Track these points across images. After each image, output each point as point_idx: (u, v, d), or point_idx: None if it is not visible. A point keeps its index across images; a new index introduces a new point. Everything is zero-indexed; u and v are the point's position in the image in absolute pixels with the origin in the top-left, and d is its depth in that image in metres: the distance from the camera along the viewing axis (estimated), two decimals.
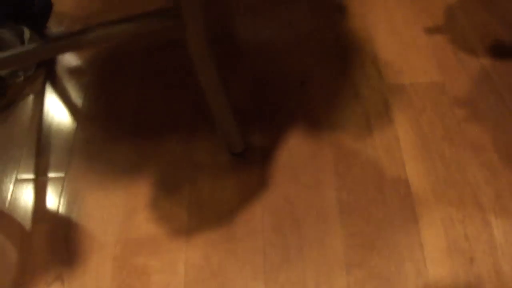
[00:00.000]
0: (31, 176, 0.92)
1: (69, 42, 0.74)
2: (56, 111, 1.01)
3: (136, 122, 0.93)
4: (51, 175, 0.91)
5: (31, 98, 1.05)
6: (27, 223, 0.86)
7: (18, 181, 0.92)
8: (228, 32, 1.07)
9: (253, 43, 1.04)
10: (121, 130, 0.92)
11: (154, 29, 0.70)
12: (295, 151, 0.84)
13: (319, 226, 0.75)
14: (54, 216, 0.86)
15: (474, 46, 0.99)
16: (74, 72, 1.06)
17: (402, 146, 0.84)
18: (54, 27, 1.15)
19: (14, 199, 0.90)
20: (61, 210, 0.85)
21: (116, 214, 0.81)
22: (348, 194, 0.79)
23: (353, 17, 1.06)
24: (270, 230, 0.76)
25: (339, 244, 0.74)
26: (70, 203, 0.85)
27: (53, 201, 0.86)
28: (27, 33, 1.07)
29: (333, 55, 1.00)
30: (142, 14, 0.69)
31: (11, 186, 0.91)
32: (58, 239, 0.83)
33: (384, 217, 0.75)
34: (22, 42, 1.07)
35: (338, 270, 0.70)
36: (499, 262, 0.69)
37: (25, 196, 0.89)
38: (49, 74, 1.07)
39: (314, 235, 0.75)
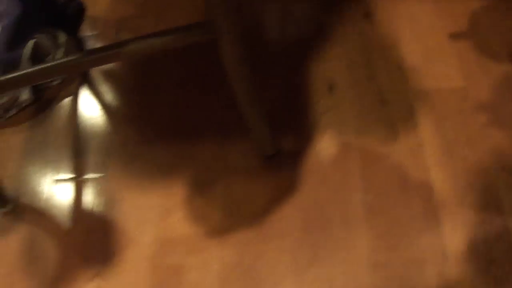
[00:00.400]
0: (69, 176, 1.00)
1: (108, 55, 0.81)
2: (92, 113, 1.08)
3: (171, 124, 1.00)
4: (88, 176, 0.98)
5: (67, 100, 1.12)
6: (66, 222, 0.94)
7: (56, 182, 1.00)
8: (259, 36, 1.14)
9: (282, 48, 1.10)
10: (157, 132, 0.99)
11: (191, 42, 0.76)
12: (324, 154, 0.91)
13: (346, 227, 0.82)
14: (92, 215, 0.94)
15: (497, 52, 1.04)
16: (109, 74, 1.14)
17: (426, 150, 0.90)
18: (87, 31, 1.22)
19: (53, 199, 0.98)
20: (99, 210, 0.93)
21: (152, 214, 0.89)
22: (374, 197, 0.85)
23: (378, 23, 1.11)
24: (299, 231, 0.82)
25: (365, 245, 0.80)
26: (107, 203, 0.93)
27: (91, 201, 0.94)
28: (62, 37, 1.14)
29: (359, 60, 1.06)
30: (179, 28, 0.76)
31: (49, 187, 0.99)
32: (97, 238, 0.91)
33: (408, 220, 0.81)
34: (57, 46, 1.14)
35: (364, 270, 0.77)
36: None
37: (64, 196, 0.97)
38: (85, 77, 1.14)
39: (341, 236, 0.81)
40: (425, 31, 1.10)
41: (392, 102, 0.97)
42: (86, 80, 1.13)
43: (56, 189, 0.98)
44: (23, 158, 1.04)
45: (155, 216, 0.87)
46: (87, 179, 0.97)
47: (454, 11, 1.14)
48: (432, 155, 0.89)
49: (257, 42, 1.11)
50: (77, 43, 1.17)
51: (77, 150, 1.02)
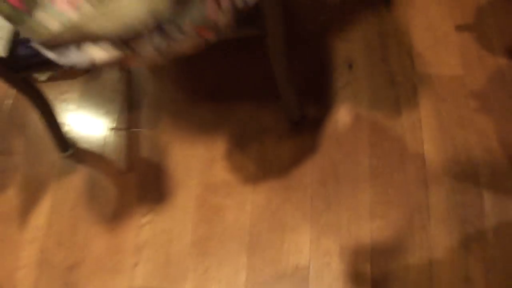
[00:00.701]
0: (124, 127, 1.23)
1: None
2: (144, 73, 1.30)
3: (216, 87, 1.23)
4: (142, 128, 1.22)
5: None
6: (122, 166, 1.19)
7: (113, 130, 1.23)
8: (291, 16, 1.34)
9: (310, 28, 1.31)
10: (203, 93, 1.22)
11: (241, 35, 0.96)
12: (340, 123, 1.14)
13: (353, 184, 1.06)
14: (145, 161, 1.18)
15: (495, 46, 1.25)
16: None
17: (424, 127, 1.13)
18: None
19: (109, 146, 1.22)
20: (152, 157, 1.17)
21: (198, 163, 1.13)
22: (378, 161, 1.09)
23: (396, 10, 1.32)
24: (316, 184, 1.07)
25: (367, 199, 1.05)
26: (159, 152, 1.17)
27: (145, 149, 1.18)
28: None
29: (376, 43, 1.27)
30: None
31: (106, 135, 1.22)
32: (150, 180, 1.15)
33: (403, 182, 1.06)
34: None
35: (365, 218, 1.02)
36: (485, 226, 1.01)
37: (120, 144, 1.21)
38: None
39: (349, 190, 1.06)
40: (435, 21, 1.31)
41: (400, 82, 1.20)
42: None
43: (112, 137, 1.21)
44: (81, 108, 1.27)
45: (200, 164, 1.12)
46: (141, 130, 1.20)
47: (464, 4, 1.34)
48: (427, 131, 1.12)
49: (289, 22, 1.32)
50: None
51: (131, 105, 1.25)
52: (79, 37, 0.58)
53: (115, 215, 1.10)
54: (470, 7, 1.29)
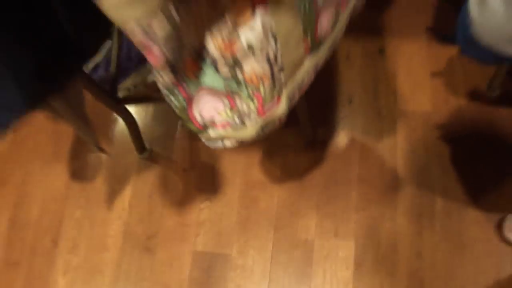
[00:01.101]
0: (188, 135, 1.79)
1: None
2: None
3: None
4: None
5: None
6: (187, 165, 1.75)
7: (177, 140, 1.80)
8: None
9: (319, 73, 1.87)
10: None
11: None
12: (340, 144, 1.70)
13: (347, 188, 1.62)
14: (204, 163, 1.73)
15: (460, 90, 1.78)
16: None
17: (398, 149, 1.69)
18: None
19: (178, 150, 1.79)
20: (209, 160, 1.74)
21: (240, 166, 1.69)
22: (365, 171, 1.65)
23: (387, 58, 1.86)
24: (322, 187, 1.63)
25: (355, 196, 1.61)
26: (214, 156, 1.74)
27: (204, 153, 1.75)
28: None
29: (370, 84, 1.81)
30: None
31: (175, 140, 1.79)
32: (207, 177, 1.70)
33: (381, 186, 1.61)
34: None
35: (352, 211, 1.59)
36: (435, 220, 1.57)
37: (185, 148, 1.78)
38: None
39: (343, 190, 1.62)
40: (415, 68, 1.84)
41: (385, 115, 1.75)
42: None
43: (178, 142, 1.78)
44: (154, 120, 1.83)
45: (242, 167, 1.68)
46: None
47: (438, 55, 1.85)
48: (401, 153, 1.68)
49: None
50: None
51: None
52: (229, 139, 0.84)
53: (181, 202, 1.67)
54: (443, 58, 1.80)
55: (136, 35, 0.60)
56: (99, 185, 1.66)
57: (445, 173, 1.52)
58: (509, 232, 1.35)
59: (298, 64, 0.83)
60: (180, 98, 0.76)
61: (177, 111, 0.79)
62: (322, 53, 0.87)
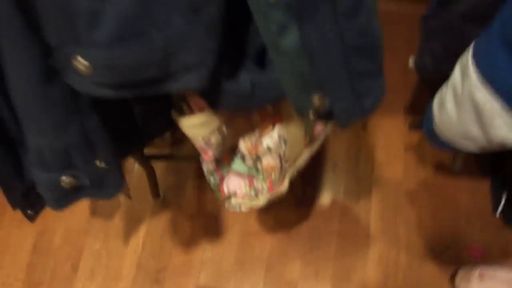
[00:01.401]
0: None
1: None
2: None
3: None
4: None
5: None
6: (194, 211, 2.13)
7: (189, 188, 2.18)
8: None
9: None
10: None
11: None
12: (324, 202, 2.09)
13: (327, 238, 2.01)
14: (210, 212, 2.14)
15: (428, 161, 2.20)
16: None
17: (372, 212, 2.09)
18: None
19: (188, 198, 2.17)
20: (213, 210, 2.12)
21: (240, 216, 2.06)
22: (344, 228, 2.03)
23: (369, 132, 2.28)
24: (306, 236, 1.99)
25: (334, 240, 2.00)
26: (217, 207, 2.12)
27: (210, 203, 2.13)
28: None
29: (353, 153, 2.21)
30: None
31: (187, 189, 2.17)
32: (212, 223, 2.09)
33: (356, 238, 2.01)
34: None
35: (331, 259, 1.98)
36: (400, 261, 1.96)
37: (195, 197, 2.16)
38: None
39: (326, 241, 2.00)
40: (392, 141, 2.22)
41: (362, 180, 2.15)
42: None
43: (188, 194, 2.17)
44: (169, 172, 2.21)
45: (241, 218, 2.03)
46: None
47: (413, 135, 2.29)
48: (374, 213, 2.08)
49: None
50: None
51: None
52: None
53: (188, 242, 2.03)
54: (416, 134, 2.25)
55: (199, 143, 0.99)
56: (117, 222, 1.88)
57: (410, 232, 1.89)
58: (461, 282, 1.73)
59: (298, 155, 1.22)
60: (217, 178, 1.15)
61: (212, 186, 1.18)
62: (316, 145, 1.26)
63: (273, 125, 1.01)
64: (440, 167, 1.87)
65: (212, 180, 1.10)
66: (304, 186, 2.00)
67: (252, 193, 1.12)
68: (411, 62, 1.44)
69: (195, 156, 1.12)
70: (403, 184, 1.93)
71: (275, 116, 0.99)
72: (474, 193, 1.82)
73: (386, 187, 1.92)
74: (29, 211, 1.18)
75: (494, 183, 1.80)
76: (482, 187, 1.84)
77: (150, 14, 0.59)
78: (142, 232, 1.89)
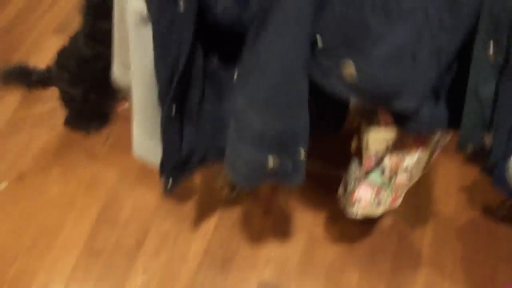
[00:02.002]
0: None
1: None
2: None
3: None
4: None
5: None
6: (266, 209, 2.36)
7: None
8: None
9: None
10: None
11: None
12: (385, 227, 2.33)
13: (381, 254, 2.25)
14: (280, 211, 2.37)
15: (476, 205, 2.40)
16: None
17: (425, 239, 2.31)
18: None
19: (259, 195, 2.39)
20: (284, 209, 2.35)
21: (308, 219, 2.27)
22: (401, 251, 2.30)
23: (432, 169, 2.55)
24: (366, 252, 2.23)
25: (389, 261, 2.25)
26: (288, 207, 2.36)
27: (280, 202, 2.37)
28: None
29: (415, 183, 2.49)
30: None
31: (257, 190, 2.39)
32: (281, 221, 2.22)
33: (406, 266, 2.25)
34: None
35: (380, 275, 2.22)
36: None
37: (265, 195, 2.39)
38: None
39: (382, 255, 2.24)
40: (450, 178, 2.39)
41: (421, 210, 2.36)
42: None
43: (261, 192, 2.37)
44: None
45: (309, 221, 2.18)
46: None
47: (466, 173, 2.55)
48: (427, 242, 2.29)
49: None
50: None
51: None
52: None
53: (257, 237, 2.09)
54: (470, 177, 2.49)
55: (370, 152, 1.25)
56: (189, 207, 1.99)
57: (455, 264, 2.07)
58: None
59: (416, 178, 1.49)
60: (356, 184, 1.42)
61: (345, 190, 1.44)
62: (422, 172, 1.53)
63: (417, 148, 1.27)
64: (487, 210, 2.03)
65: (352, 184, 1.36)
66: None
67: (375, 202, 1.37)
68: None
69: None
70: (454, 219, 2.04)
71: (424, 141, 1.25)
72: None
73: (439, 219, 2.04)
74: (171, 183, 1.43)
75: None
76: None
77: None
78: (213, 220, 1.98)
